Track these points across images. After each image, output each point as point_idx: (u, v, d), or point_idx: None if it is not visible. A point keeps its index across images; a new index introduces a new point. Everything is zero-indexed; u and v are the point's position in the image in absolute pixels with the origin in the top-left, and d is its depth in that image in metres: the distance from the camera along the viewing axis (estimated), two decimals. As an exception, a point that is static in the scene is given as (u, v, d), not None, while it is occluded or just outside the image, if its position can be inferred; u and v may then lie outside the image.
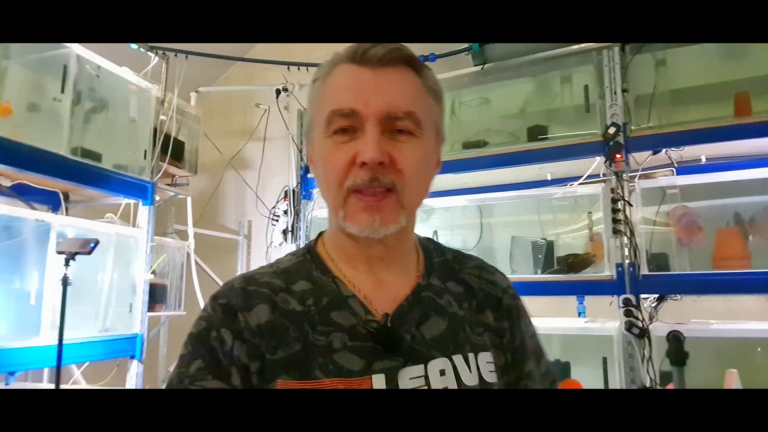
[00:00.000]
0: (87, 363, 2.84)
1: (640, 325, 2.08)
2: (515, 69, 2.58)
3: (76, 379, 2.89)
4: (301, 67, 3.07)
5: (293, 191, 2.99)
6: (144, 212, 2.92)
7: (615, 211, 2.16)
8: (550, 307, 2.85)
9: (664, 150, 2.24)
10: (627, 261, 2.15)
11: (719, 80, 2.23)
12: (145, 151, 2.96)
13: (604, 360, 2.21)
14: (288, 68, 2.82)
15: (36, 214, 2.38)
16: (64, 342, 2.38)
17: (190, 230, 3.40)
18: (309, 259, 0.78)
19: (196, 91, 3.59)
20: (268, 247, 3.15)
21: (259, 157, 3.90)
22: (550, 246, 2.51)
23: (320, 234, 0.83)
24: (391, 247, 0.75)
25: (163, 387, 0.82)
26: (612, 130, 2.19)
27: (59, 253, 2.10)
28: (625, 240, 2.16)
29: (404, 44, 0.73)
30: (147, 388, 2.99)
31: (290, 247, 2.92)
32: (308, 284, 0.74)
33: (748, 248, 2.15)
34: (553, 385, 0.87)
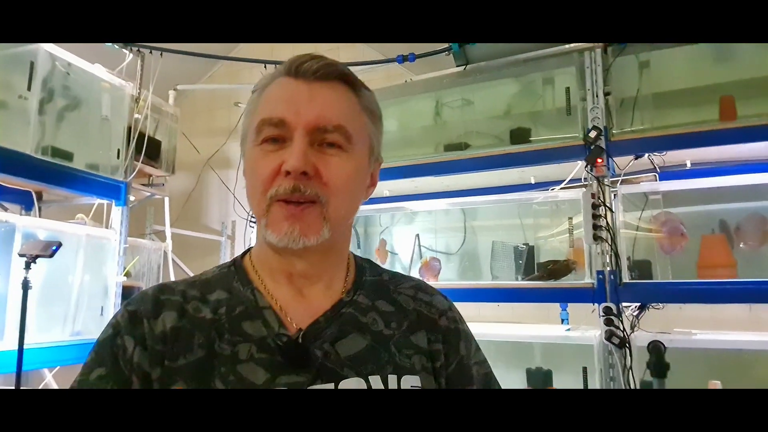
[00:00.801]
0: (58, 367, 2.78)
1: (621, 334, 2.02)
2: (498, 70, 2.52)
3: (48, 383, 2.82)
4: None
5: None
6: (117, 213, 2.85)
7: (596, 216, 2.10)
8: (533, 313, 2.80)
9: (646, 155, 2.18)
10: (608, 268, 2.09)
11: (704, 83, 2.17)
12: (119, 150, 2.89)
13: (584, 369, 2.15)
14: (265, 67, 2.75)
15: (-1, 215, 2.31)
16: (33, 346, 2.33)
17: (168, 231, 3.34)
18: (233, 270, 0.77)
19: (174, 89, 3.52)
20: (247, 247, 3.09)
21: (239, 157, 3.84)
22: (531, 251, 2.45)
23: (249, 249, 0.81)
24: (314, 264, 0.74)
25: None
26: (593, 134, 2.13)
27: (20, 255, 2.03)
28: (606, 247, 2.10)
29: (340, 61, 0.74)
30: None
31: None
32: (225, 294, 0.73)
33: (734, 256, 2.09)
34: None
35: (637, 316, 2.16)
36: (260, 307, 0.72)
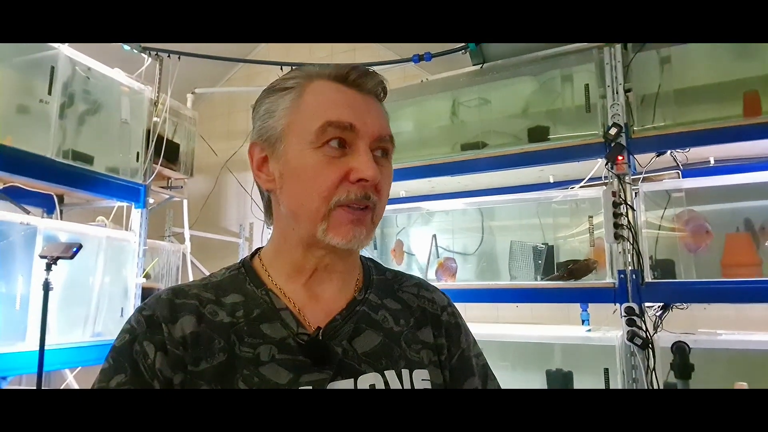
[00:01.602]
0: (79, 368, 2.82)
1: (643, 335, 1.98)
2: (515, 68, 2.50)
3: (69, 383, 2.86)
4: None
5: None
6: (136, 215, 2.88)
7: (617, 215, 2.06)
8: (552, 313, 2.76)
9: (669, 152, 2.14)
10: (629, 268, 2.05)
11: (727, 79, 2.12)
12: (138, 153, 2.92)
13: (606, 371, 2.12)
14: (281, 69, 2.76)
15: (21, 217, 2.34)
16: (54, 347, 2.36)
17: (186, 233, 3.36)
18: (243, 272, 0.77)
19: (192, 93, 3.54)
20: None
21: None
22: (550, 251, 2.42)
23: (257, 250, 0.82)
24: (343, 259, 0.76)
25: None
26: (613, 131, 2.09)
27: (41, 257, 2.06)
28: (628, 246, 2.06)
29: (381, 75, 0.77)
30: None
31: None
32: (240, 296, 0.74)
33: (759, 255, 2.04)
34: None
35: (660, 317, 2.12)
36: (277, 308, 0.73)
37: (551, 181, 2.59)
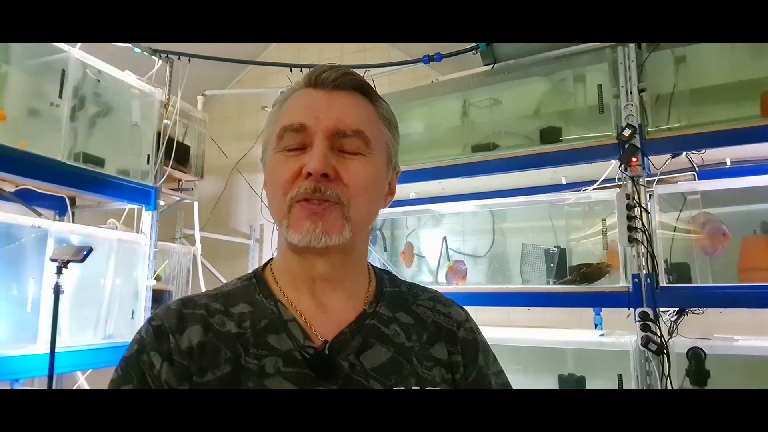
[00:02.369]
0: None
1: (658, 340, 1.94)
2: (526, 68, 2.47)
3: (81, 385, 2.87)
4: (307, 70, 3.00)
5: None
6: (147, 217, 2.89)
7: (631, 218, 2.02)
8: (565, 317, 2.73)
9: (684, 153, 2.10)
10: (644, 271, 2.02)
11: (745, 78, 2.07)
12: (149, 155, 2.92)
13: (620, 377, 2.08)
14: (291, 71, 2.75)
15: (32, 220, 2.35)
16: (66, 349, 2.37)
17: (197, 234, 3.37)
18: (254, 283, 0.77)
19: (202, 95, 3.55)
20: (274, 252, 3.09)
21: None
22: (563, 254, 2.38)
23: (269, 260, 0.82)
24: (336, 267, 0.73)
25: None
26: (627, 132, 2.05)
27: (52, 260, 2.06)
28: (642, 249, 2.02)
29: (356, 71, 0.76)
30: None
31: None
32: (248, 307, 0.73)
33: (778, 259, 1.99)
34: None
35: (675, 322, 2.08)
36: (284, 319, 0.72)
37: (564, 182, 2.56)
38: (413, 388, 0.71)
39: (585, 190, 2.31)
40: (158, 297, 2.96)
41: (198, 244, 3.35)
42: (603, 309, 2.53)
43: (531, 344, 2.28)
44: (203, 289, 3.44)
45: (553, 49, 2.36)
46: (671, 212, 2.15)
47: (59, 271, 2.03)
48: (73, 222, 2.96)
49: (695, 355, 1.90)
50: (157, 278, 2.96)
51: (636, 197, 2.04)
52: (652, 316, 1.97)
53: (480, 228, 2.78)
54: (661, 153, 2.09)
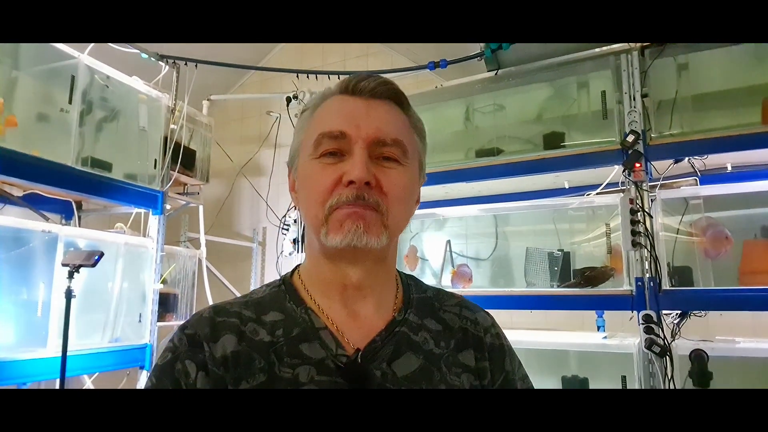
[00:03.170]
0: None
1: (661, 342, 1.97)
2: (530, 74, 2.49)
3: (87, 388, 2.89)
4: (311, 75, 3.03)
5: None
6: (154, 221, 2.91)
7: (634, 222, 2.06)
8: (567, 319, 2.76)
9: (686, 158, 2.13)
10: (647, 275, 2.05)
11: (746, 85, 2.10)
12: (155, 160, 2.95)
13: (623, 378, 2.11)
14: (297, 76, 2.78)
15: (43, 225, 2.38)
16: (73, 352, 2.39)
17: (202, 238, 3.39)
18: (283, 290, 0.77)
19: (208, 99, 3.57)
20: (278, 255, 3.11)
21: (271, 165, 3.88)
22: (566, 257, 2.41)
23: (297, 267, 0.81)
24: (369, 273, 0.73)
25: None
26: (631, 138, 2.09)
27: (64, 265, 2.08)
28: (645, 253, 2.05)
29: (392, 81, 0.76)
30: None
31: (300, 257, 2.87)
32: (280, 315, 0.73)
33: (778, 262, 2.02)
34: None
35: (678, 324, 2.11)
36: (316, 328, 0.72)
37: (566, 186, 2.59)
38: None
39: (588, 194, 2.34)
40: (165, 300, 2.98)
41: (203, 248, 3.37)
42: (605, 311, 2.56)
43: (534, 346, 2.31)
44: (208, 293, 3.46)
45: (556, 55, 2.39)
46: (674, 216, 2.18)
47: (71, 276, 2.05)
48: (79, 226, 2.98)
49: (698, 357, 1.92)
50: (164, 281, 2.98)
51: (639, 202, 2.07)
52: (655, 319, 2.00)
53: (483, 231, 2.81)
54: (664, 158, 2.12)
